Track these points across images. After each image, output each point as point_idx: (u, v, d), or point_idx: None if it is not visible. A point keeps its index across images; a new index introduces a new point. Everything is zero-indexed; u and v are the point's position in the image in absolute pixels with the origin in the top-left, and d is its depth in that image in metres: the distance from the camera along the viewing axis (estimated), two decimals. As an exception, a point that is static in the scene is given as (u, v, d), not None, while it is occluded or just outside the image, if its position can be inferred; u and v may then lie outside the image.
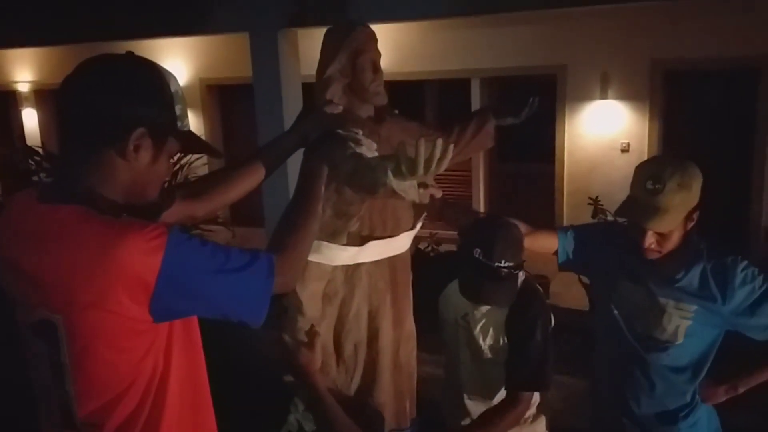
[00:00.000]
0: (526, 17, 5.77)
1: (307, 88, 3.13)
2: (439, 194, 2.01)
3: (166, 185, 1.40)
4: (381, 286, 2.09)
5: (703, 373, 1.93)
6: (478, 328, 2.05)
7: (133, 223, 1.15)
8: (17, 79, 9.44)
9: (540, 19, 6.14)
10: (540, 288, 2.09)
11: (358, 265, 2.05)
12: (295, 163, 1.84)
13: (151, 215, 1.27)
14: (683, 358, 1.90)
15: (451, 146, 1.51)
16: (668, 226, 1.78)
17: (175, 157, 2.09)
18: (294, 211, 1.57)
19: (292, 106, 4.67)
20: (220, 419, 1.43)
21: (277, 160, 1.79)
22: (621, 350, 1.96)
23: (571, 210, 6.77)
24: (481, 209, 7.24)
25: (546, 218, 6.73)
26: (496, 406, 2.00)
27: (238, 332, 1.74)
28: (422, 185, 1.62)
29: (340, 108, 1.91)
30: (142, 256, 1.11)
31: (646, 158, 2.10)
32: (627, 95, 6.46)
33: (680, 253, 1.85)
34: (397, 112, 2.21)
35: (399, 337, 2.15)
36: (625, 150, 6.53)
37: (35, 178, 5.33)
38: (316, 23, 4.12)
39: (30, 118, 9.56)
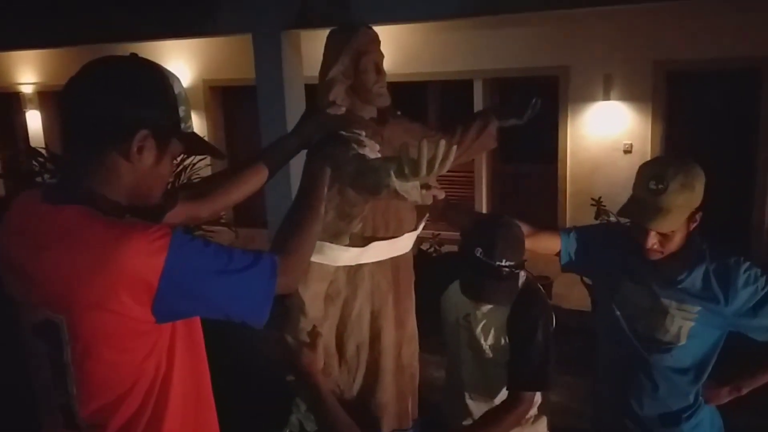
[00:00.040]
0: (529, 19, 5.76)
1: (310, 90, 3.14)
2: (441, 195, 2.00)
3: (169, 186, 1.40)
4: (383, 287, 2.09)
5: (706, 374, 1.92)
6: (480, 328, 2.05)
7: (136, 224, 1.15)
8: (21, 80, 9.46)
9: (542, 20, 6.14)
10: (541, 288, 2.09)
11: (360, 265, 2.05)
12: (297, 164, 1.84)
13: (155, 216, 1.27)
14: (686, 359, 1.90)
15: (454, 147, 1.51)
16: (671, 227, 1.78)
17: (179, 159, 2.10)
18: (297, 212, 1.58)
19: (295, 107, 4.67)
20: (222, 419, 1.44)
21: (280, 161, 1.80)
22: (623, 351, 1.95)
23: (574, 211, 6.77)
24: (484, 210, 7.24)
25: (548, 219, 6.73)
26: (497, 406, 2.00)
27: (241, 333, 1.75)
28: (425, 186, 1.62)
29: (343, 109, 1.92)
30: (145, 257, 1.11)
31: (648, 159, 2.09)
32: (629, 96, 6.46)
33: (683, 254, 1.85)
34: (399, 113, 2.21)
35: (401, 338, 2.15)
36: (627, 151, 6.53)
37: (39, 180, 5.34)
38: (319, 25, 4.12)
39: (34, 120, 9.59)
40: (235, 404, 2.21)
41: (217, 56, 7.84)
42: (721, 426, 2.03)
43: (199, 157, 4.76)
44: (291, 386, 2.06)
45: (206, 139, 1.45)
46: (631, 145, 6.52)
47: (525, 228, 2.01)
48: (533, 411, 2.08)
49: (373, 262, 2.06)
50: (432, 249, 5.49)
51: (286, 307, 1.96)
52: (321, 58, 2.04)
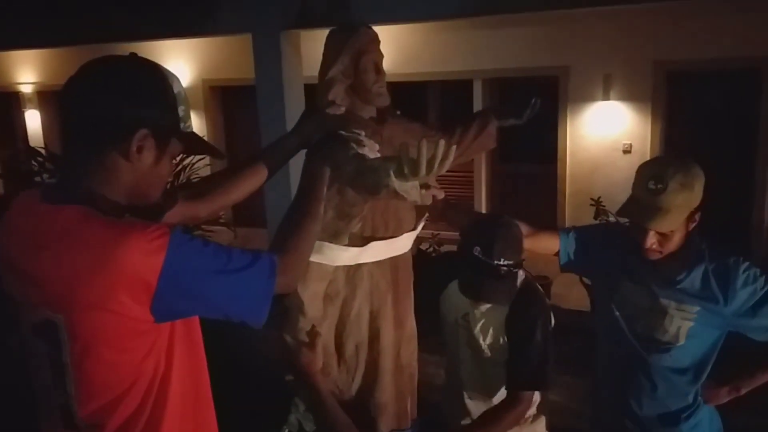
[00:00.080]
0: (529, 19, 5.76)
1: (310, 90, 3.14)
2: (441, 195, 2.01)
3: (168, 186, 1.40)
4: (382, 287, 2.09)
5: (705, 374, 1.92)
6: (478, 327, 2.05)
7: (135, 224, 1.15)
8: (20, 80, 9.45)
9: (542, 20, 6.14)
10: (540, 288, 2.10)
11: (359, 265, 2.05)
12: (297, 164, 1.84)
13: (154, 216, 1.27)
14: (685, 360, 1.90)
15: (453, 147, 1.52)
16: (670, 226, 1.78)
17: (178, 158, 2.10)
18: (296, 211, 1.58)
19: (295, 107, 4.67)
20: (221, 419, 1.44)
21: (279, 161, 1.80)
22: (622, 351, 1.95)
23: (573, 211, 6.77)
24: (483, 210, 7.23)
25: (548, 219, 6.73)
26: (496, 405, 2.00)
27: (240, 332, 1.75)
28: (424, 186, 1.62)
29: (343, 109, 1.92)
30: (144, 257, 1.11)
31: (648, 159, 2.10)
32: (629, 96, 6.46)
33: (682, 254, 1.85)
34: (399, 113, 2.21)
35: (400, 338, 2.15)
36: (627, 151, 6.53)
37: (38, 179, 5.34)
38: (319, 25, 4.12)
39: (33, 120, 9.58)
40: (233, 404, 2.21)
41: (216, 56, 7.83)
42: (720, 426, 2.03)
43: (198, 157, 4.76)
44: (290, 386, 2.07)
45: (205, 138, 1.45)
46: (631, 145, 6.52)
47: (524, 228, 2.01)
48: (532, 410, 2.08)
49: (372, 262, 2.06)
50: (431, 249, 5.49)
51: (285, 306, 1.96)
52: (321, 57, 2.04)
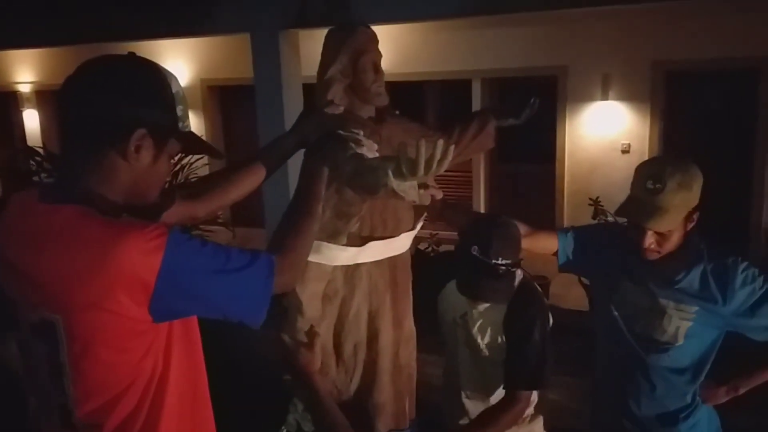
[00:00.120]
0: (528, 18, 5.76)
1: (308, 89, 3.13)
2: (439, 195, 2.01)
3: (166, 186, 1.40)
4: (381, 287, 2.09)
5: (704, 374, 1.93)
6: (476, 327, 2.05)
7: (133, 224, 1.15)
8: (18, 79, 9.45)
9: (541, 20, 6.14)
10: (538, 287, 2.10)
11: (358, 265, 2.05)
12: (295, 163, 1.84)
13: (152, 216, 1.27)
14: (683, 360, 1.90)
15: (452, 147, 1.51)
16: (668, 226, 1.78)
17: (176, 158, 2.10)
18: (294, 211, 1.58)
19: (293, 107, 4.67)
20: (219, 419, 1.43)
21: (277, 160, 1.80)
22: (621, 351, 1.96)
23: (572, 211, 6.78)
24: (482, 210, 7.24)
25: (546, 219, 6.73)
26: (494, 405, 2.00)
27: (238, 332, 1.74)
28: (423, 186, 1.62)
29: (341, 109, 1.91)
30: (142, 256, 1.11)
31: (646, 159, 2.10)
32: (628, 96, 6.47)
33: (680, 254, 1.85)
34: (398, 112, 2.21)
35: (399, 338, 2.15)
36: (625, 151, 6.53)
37: (36, 179, 5.33)
38: (318, 24, 4.11)
39: (31, 119, 9.58)
40: (232, 404, 2.21)
41: (215, 55, 7.83)
42: (718, 426, 2.03)
43: (196, 157, 4.75)
44: (288, 386, 2.06)
45: (204, 138, 1.45)
46: (629, 145, 6.53)
47: (522, 228, 2.01)
48: (530, 410, 2.09)
49: (370, 262, 2.06)
50: (430, 249, 5.49)
51: (284, 306, 1.96)
52: (319, 57, 2.04)
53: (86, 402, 1.20)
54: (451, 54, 7.01)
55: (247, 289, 1.25)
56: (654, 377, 1.92)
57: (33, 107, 9.47)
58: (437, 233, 5.27)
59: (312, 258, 1.84)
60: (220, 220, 5.37)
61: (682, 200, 1.76)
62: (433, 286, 2.21)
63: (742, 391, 1.96)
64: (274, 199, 4.38)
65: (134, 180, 1.23)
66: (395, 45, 6.62)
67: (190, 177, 5.19)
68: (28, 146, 6.90)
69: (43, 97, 9.28)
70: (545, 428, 2.18)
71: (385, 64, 2.07)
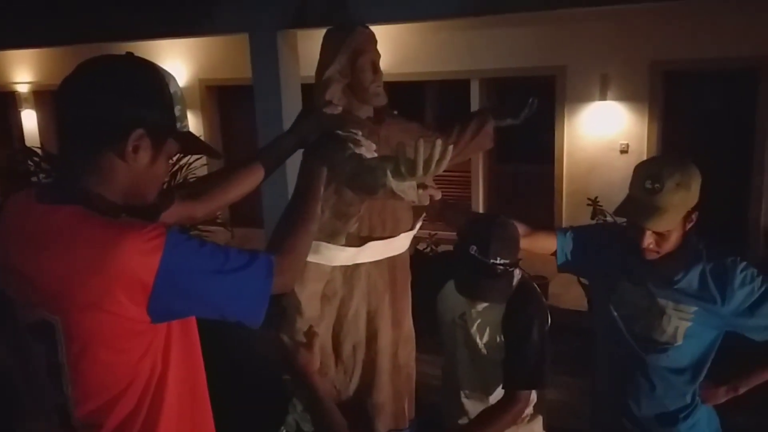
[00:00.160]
0: (526, 18, 5.77)
1: (307, 89, 3.13)
2: (438, 195, 2.01)
3: (165, 186, 1.40)
4: (380, 287, 2.09)
5: (703, 374, 1.93)
6: (475, 326, 2.05)
7: (131, 224, 1.15)
8: (16, 80, 9.44)
9: (540, 20, 6.15)
10: (537, 287, 2.10)
11: (357, 265, 2.05)
12: (294, 163, 1.84)
13: (150, 216, 1.27)
14: (683, 360, 1.90)
15: (450, 147, 1.51)
16: (667, 226, 1.78)
17: (174, 158, 2.10)
18: (293, 211, 1.58)
19: (292, 107, 4.66)
20: (218, 419, 1.43)
21: (276, 160, 1.80)
22: (620, 351, 1.96)
23: (571, 211, 6.78)
24: (481, 210, 7.24)
25: (545, 219, 6.74)
26: (493, 405, 2.00)
27: (237, 332, 1.74)
28: (421, 186, 1.62)
29: (340, 109, 1.91)
30: (141, 257, 1.11)
31: (645, 159, 2.10)
32: (626, 96, 6.47)
33: (679, 254, 1.85)
34: (396, 112, 2.21)
35: (398, 338, 2.15)
36: (624, 151, 6.54)
37: (34, 179, 5.32)
38: (316, 24, 4.11)
39: (29, 119, 9.57)
40: (231, 404, 2.20)
41: (213, 55, 7.83)
42: (717, 426, 2.03)
43: (195, 157, 4.75)
44: (287, 386, 2.06)
45: (202, 138, 1.45)
46: (628, 145, 6.53)
47: (521, 228, 2.01)
48: (529, 410, 2.09)
49: (369, 262, 2.06)
50: (429, 249, 5.49)
51: (283, 306, 1.96)
52: (318, 57, 2.04)
53: (85, 402, 1.20)
54: (449, 54, 7.01)
55: (245, 289, 1.25)
56: (653, 377, 1.92)
57: (31, 107, 9.47)
58: (436, 233, 5.27)
59: (311, 258, 1.84)
60: (218, 221, 5.36)
61: (680, 200, 1.76)
62: (431, 286, 2.21)
63: (741, 391, 1.96)
64: (272, 199, 4.37)
65: (132, 180, 1.22)
66: (394, 45, 6.62)
67: (188, 177, 5.19)
68: (26, 146, 6.90)
69: (41, 97, 9.28)
70: (544, 428, 2.18)
71: (383, 64, 2.07)
